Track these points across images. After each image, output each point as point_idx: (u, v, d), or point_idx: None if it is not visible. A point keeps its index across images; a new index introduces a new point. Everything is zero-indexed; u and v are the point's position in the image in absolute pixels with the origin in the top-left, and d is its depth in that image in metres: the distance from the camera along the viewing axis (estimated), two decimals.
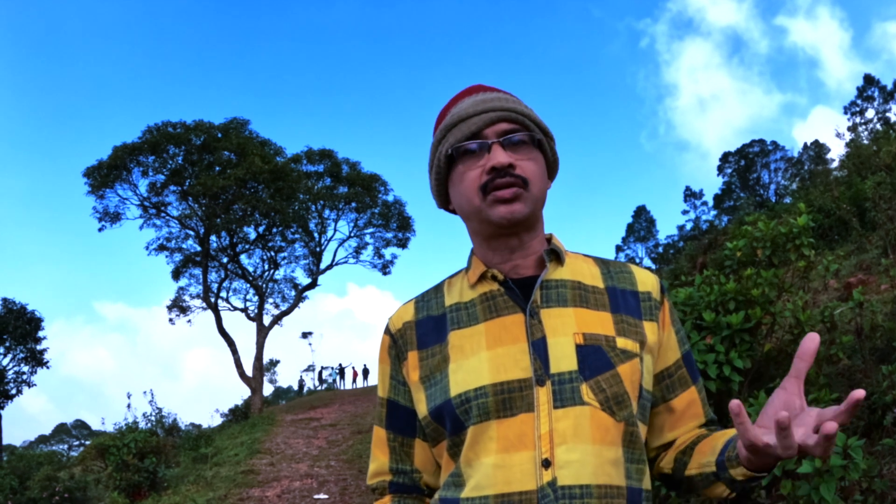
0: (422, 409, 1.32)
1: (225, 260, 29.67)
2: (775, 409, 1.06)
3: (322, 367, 50.72)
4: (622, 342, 1.26)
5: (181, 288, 30.53)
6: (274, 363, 64.02)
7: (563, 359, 1.22)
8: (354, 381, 48.99)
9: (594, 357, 1.23)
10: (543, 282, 1.31)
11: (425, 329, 1.37)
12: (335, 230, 31.74)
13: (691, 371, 1.38)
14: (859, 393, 0.93)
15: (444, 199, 1.40)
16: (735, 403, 0.99)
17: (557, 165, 1.40)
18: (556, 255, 1.35)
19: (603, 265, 1.39)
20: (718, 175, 61.89)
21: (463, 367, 1.26)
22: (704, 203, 63.15)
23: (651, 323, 1.32)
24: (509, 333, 1.26)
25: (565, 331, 1.25)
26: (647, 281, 1.37)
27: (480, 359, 1.25)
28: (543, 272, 1.31)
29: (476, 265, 1.36)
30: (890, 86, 50.07)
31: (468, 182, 1.28)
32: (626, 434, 1.22)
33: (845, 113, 51.83)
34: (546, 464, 1.17)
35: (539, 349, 1.23)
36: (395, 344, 1.39)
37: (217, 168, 26.92)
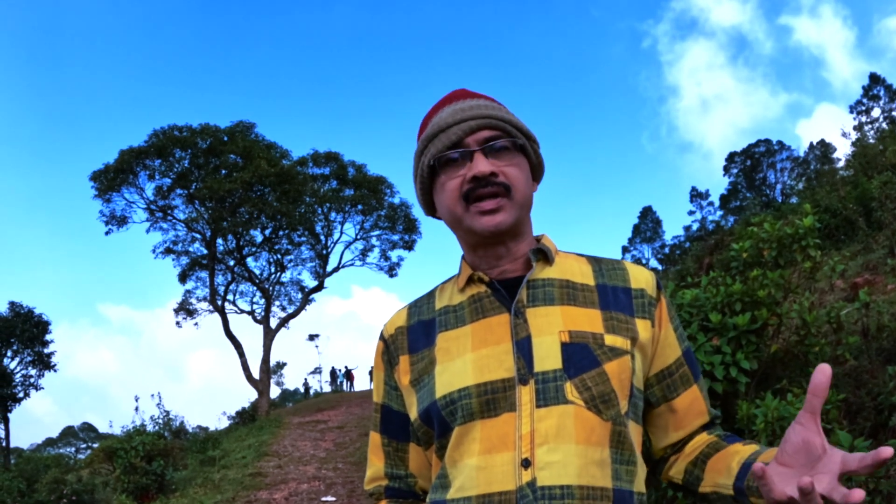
0: (413, 412, 1.33)
1: (231, 263, 29.73)
2: (794, 447, 1.03)
3: (335, 369, 50.49)
4: (611, 339, 1.25)
5: (188, 291, 30.62)
6: (281, 366, 63.99)
7: (548, 357, 1.22)
8: (351, 384, 48.80)
9: (580, 355, 1.22)
10: (529, 281, 1.31)
11: (416, 334, 1.39)
12: (341, 233, 31.80)
13: (693, 368, 1.36)
14: (887, 452, 0.91)
15: (429, 208, 1.41)
16: (758, 467, 0.99)
17: (542, 168, 1.40)
18: (544, 255, 1.35)
19: (595, 263, 1.38)
20: (724, 175, 61.79)
21: (448, 369, 1.27)
22: (710, 203, 63.04)
23: (644, 320, 1.30)
24: (494, 334, 1.27)
25: (551, 329, 1.24)
26: (640, 278, 1.35)
27: (465, 360, 1.26)
28: (529, 272, 1.31)
29: (465, 269, 1.37)
30: None
31: (450, 191, 1.29)
32: (613, 434, 1.21)
33: (851, 112, 51.66)
34: (526, 464, 1.16)
35: (523, 348, 1.23)
36: (388, 349, 1.42)
37: (223, 171, 26.97)
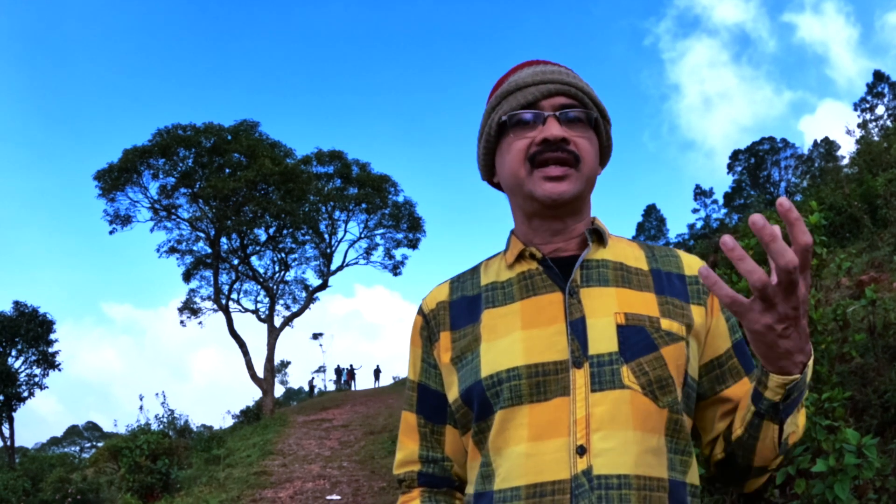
0: (453, 392, 1.26)
1: (236, 262, 29.72)
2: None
3: (340, 367, 50.48)
4: (667, 324, 1.19)
5: (192, 290, 30.61)
6: (285, 364, 64.04)
7: (603, 339, 1.15)
8: (350, 381, 48.68)
9: (636, 338, 1.16)
10: (584, 261, 1.25)
11: (459, 310, 1.31)
12: (345, 231, 31.75)
13: (744, 361, 1.27)
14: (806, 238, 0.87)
15: (489, 171, 1.35)
16: (728, 238, 0.89)
17: (611, 151, 1.35)
18: (599, 236, 1.29)
19: (648, 249, 1.33)
20: (728, 173, 61.83)
21: (495, 348, 1.20)
22: (714, 201, 62.99)
23: (699, 307, 1.24)
24: (546, 314, 1.20)
25: (606, 311, 1.18)
26: (694, 265, 1.29)
27: (514, 339, 1.19)
28: (585, 251, 1.25)
29: (514, 244, 1.30)
30: None
31: (516, 152, 1.23)
32: (669, 422, 1.15)
33: (855, 109, 51.61)
34: (581, 451, 1.10)
35: (577, 330, 1.17)
36: (428, 325, 1.34)
37: (227, 170, 26.94)
